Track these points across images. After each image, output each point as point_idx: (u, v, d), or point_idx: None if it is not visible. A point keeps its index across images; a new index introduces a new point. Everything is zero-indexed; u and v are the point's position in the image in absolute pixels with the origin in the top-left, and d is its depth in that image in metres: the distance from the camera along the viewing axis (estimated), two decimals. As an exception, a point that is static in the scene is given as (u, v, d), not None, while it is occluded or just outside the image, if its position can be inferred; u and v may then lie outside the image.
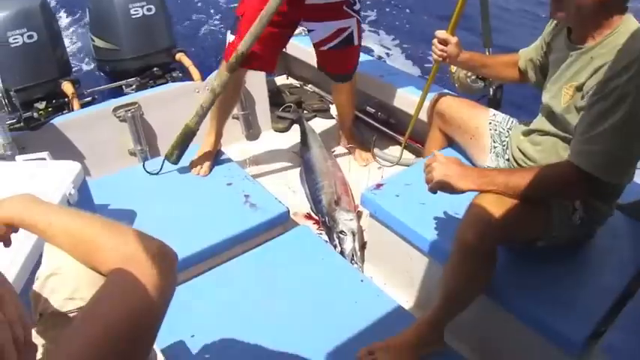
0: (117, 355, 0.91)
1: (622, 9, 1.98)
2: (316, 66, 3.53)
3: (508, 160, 2.57)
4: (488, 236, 1.95)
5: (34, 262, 1.88)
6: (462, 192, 2.04)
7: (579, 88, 2.03)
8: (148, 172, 3.03)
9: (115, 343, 0.91)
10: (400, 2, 9.40)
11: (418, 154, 3.73)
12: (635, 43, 1.88)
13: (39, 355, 1.24)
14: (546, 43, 2.42)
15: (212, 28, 7.34)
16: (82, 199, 2.32)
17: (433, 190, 2.12)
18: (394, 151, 3.84)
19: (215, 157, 3.21)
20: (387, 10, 9.04)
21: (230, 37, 3.11)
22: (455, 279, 2.09)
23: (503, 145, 2.63)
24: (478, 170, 2.12)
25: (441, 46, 2.70)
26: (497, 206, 1.96)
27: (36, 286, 1.23)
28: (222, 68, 3.11)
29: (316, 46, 3.32)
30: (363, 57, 3.59)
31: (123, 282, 1.02)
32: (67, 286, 1.18)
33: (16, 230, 1.27)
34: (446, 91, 3.20)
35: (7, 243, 1.31)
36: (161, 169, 3.04)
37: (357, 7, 3.21)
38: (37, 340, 1.22)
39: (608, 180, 1.92)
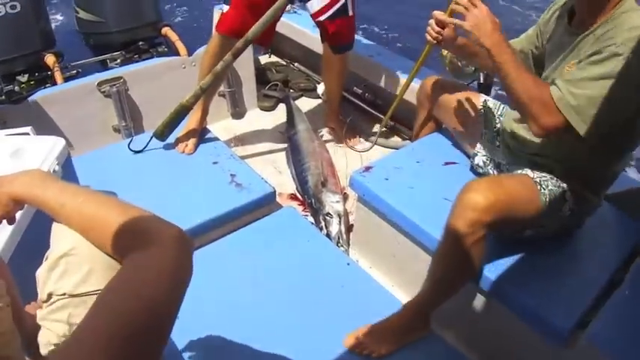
0: (133, 347, 0.87)
1: None
2: (312, 43, 3.50)
3: (499, 146, 2.55)
4: (478, 224, 1.95)
5: (20, 234, 1.86)
6: (478, 43, 2.15)
7: (581, 61, 2.03)
8: (132, 150, 2.98)
9: (131, 335, 0.87)
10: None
11: (405, 137, 3.71)
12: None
13: (45, 337, 1.23)
14: (541, 32, 2.40)
15: (199, 2, 7.24)
16: (66, 175, 2.28)
17: (457, 25, 2.26)
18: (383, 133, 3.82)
19: (201, 134, 3.16)
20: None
21: (224, 7, 3.10)
22: (443, 266, 2.09)
23: (495, 132, 2.61)
24: (501, 39, 2.13)
25: (437, 28, 2.56)
26: (487, 195, 1.95)
27: (45, 267, 1.20)
28: (214, 40, 3.10)
29: (314, 17, 3.33)
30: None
31: (140, 270, 0.97)
32: (82, 267, 1.15)
33: (22, 207, 1.25)
34: (435, 74, 3.18)
35: (12, 220, 1.29)
36: (146, 146, 2.99)
37: None
38: (44, 322, 1.20)
39: (571, 123, 1.95)
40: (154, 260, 0.98)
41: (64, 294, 1.16)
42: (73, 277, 1.16)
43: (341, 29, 3.35)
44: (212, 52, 3.16)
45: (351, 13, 3.30)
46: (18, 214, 1.29)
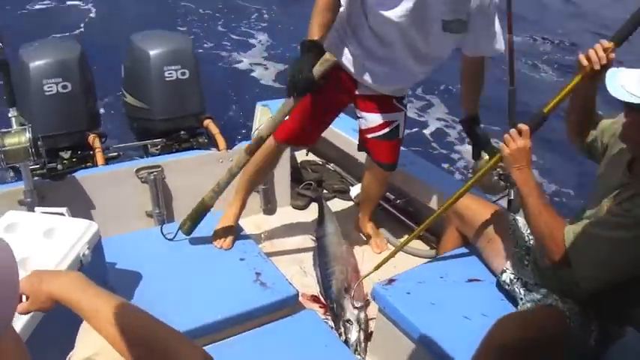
0: None
1: None
2: (348, 146, 3.54)
3: (527, 265, 2.55)
4: None
5: (40, 317, 1.88)
6: (509, 169, 2.33)
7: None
8: (164, 235, 3.02)
9: None
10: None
11: (433, 245, 3.71)
12: None
13: None
14: (603, 136, 2.40)
15: (242, 99, 7.38)
16: (94, 258, 2.33)
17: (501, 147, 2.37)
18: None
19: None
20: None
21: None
22: None
23: (524, 250, 2.62)
24: (529, 174, 2.29)
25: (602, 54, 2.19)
26: (519, 334, 2.00)
27: None
28: (271, 142, 3.13)
29: (362, 132, 3.37)
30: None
31: None
32: None
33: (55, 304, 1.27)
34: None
35: (46, 310, 1.31)
36: (175, 235, 3.03)
37: (405, 100, 3.27)
38: None
39: (576, 272, 2.07)
40: None
41: None
42: None
43: (387, 151, 3.37)
44: (266, 154, 3.19)
45: (401, 136, 3.33)
46: None
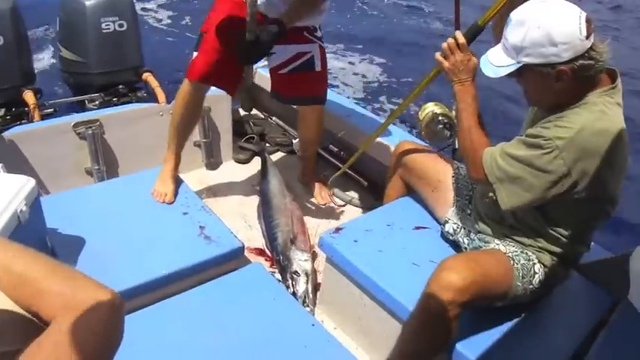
0: None
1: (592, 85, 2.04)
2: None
3: (470, 214, 2.57)
4: (454, 304, 2.00)
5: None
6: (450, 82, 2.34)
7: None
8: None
9: None
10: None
11: (378, 197, 3.71)
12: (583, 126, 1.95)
13: None
14: None
15: (181, 51, 7.25)
16: (33, 216, 2.25)
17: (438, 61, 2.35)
18: (355, 192, 3.82)
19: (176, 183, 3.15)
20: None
21: (194, 54, 3.09)
22: (415, 340, 2.12)
23: (466, 199, 2.63)
24: (468, 95, 2.30)
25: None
26: (464, 275, 2.02)
27: None
28: (185, 87, 3.09)
29: (274, 70, 3.32)
30: (329, 94, 3.59)
31: (69, 332, 0.94)
32: None
33: None
34: (410, 138, 3.21)
35: None
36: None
37: (318, 34, 3.21)
38: None
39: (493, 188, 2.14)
40: (82, 324, 0.95)
41: None
42: None
43: (302, 83, 3.34)
44: (184, 100, 3.13)
45: (319, 68, 3.28)
46: None
